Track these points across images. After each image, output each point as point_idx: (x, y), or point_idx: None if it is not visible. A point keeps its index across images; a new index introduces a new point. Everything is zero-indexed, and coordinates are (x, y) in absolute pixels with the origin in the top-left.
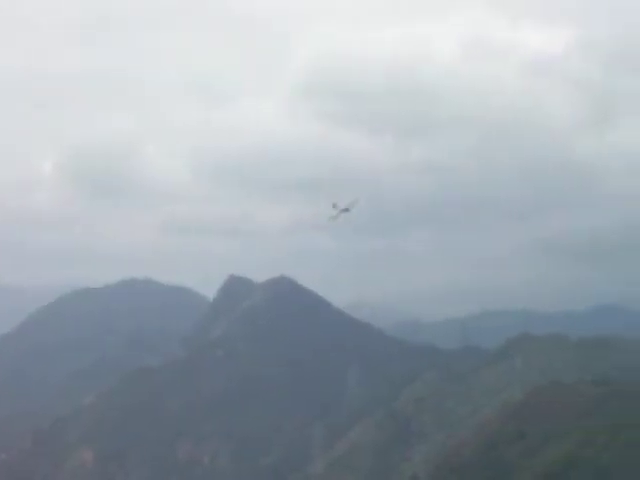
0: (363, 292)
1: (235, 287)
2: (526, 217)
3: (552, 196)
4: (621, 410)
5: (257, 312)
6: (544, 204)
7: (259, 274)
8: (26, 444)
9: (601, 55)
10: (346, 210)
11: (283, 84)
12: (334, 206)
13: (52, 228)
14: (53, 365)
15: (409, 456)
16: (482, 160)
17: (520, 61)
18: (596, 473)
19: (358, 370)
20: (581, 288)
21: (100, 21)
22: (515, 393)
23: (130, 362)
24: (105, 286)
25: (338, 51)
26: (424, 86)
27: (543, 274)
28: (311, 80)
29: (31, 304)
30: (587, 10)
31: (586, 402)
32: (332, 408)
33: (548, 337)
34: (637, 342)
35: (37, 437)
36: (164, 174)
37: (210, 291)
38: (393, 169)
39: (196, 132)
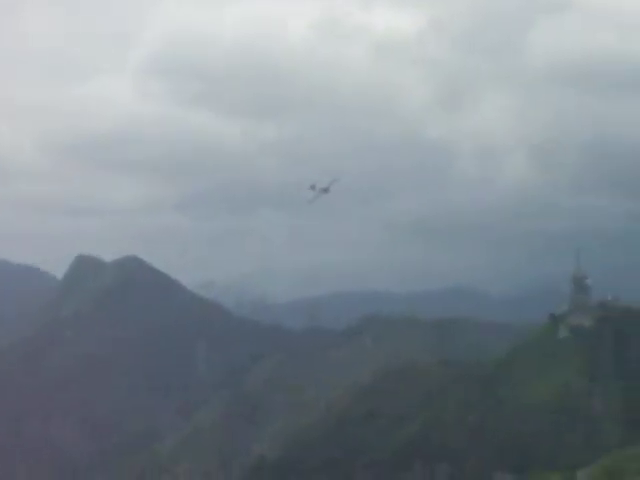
0: (213, 272)
1: (84, 267)
2: (378, 198)
3: (404, 177)
4: (470, 391)
5: (106, 292)
6: (396, 185)
7: (110, 254)
8: None
9: (452, 37)
10: (325, 191)
11: (134, 62)
12: (312, 187)
13: None
14: None
15: (258, 436)
16: (334, 142)
17: (372, 42)
18: (444, 453)
19: (207, 350)
20: (432, 269)
21: None
22: (365, 374)
23: None
24: None
25: (190, 30)
26: (276, 67)
27: (394, 255)
28: (163, 58)
29: None
30: None
31: (436, 383)
32: (181, 388)
33: (398, 318)
34: (487, 324)
35: None
36: (12, 152)
37: (60, 271)
38: (247, 150)
39: (45, 110)
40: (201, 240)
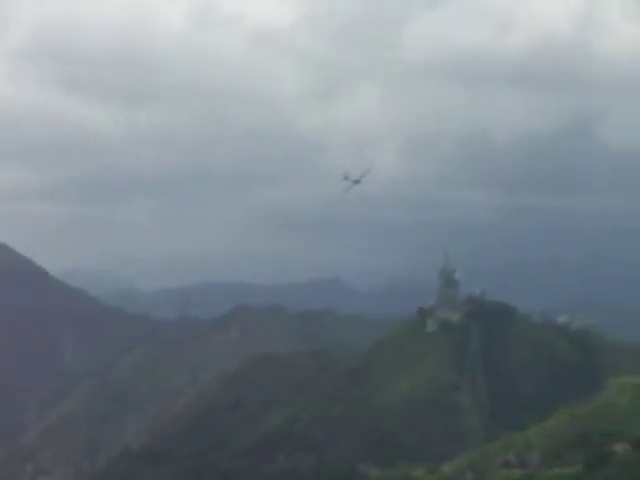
0: (81, 260)
1: None
2: (248, 188)
3: (275, 168)
4: (336, 383)
5: None
6: (267, 176)
7: None
8: None
9: (328, 29)
10: (358, 181)
11: (3, 46)
12: (345, 177)
13: None
14: None
15: (124, 425)
16: (206, 130)
17: (247, 32)
18: (310, 444)
19: (73, 339)
20: (301, 261)
21: None
22: (232, 364)
23: None
24: None
25: (63, 14)
26: (150, 54)
27: (263, 246)
28: (33, 43)
29: None
30: None
31: (302, 374)
32: (46, 377)
33: (266, 309)
34: (352, 316)
35: None
36: None
37: None
38: (117, 137)
39: None
40: (68, 227)
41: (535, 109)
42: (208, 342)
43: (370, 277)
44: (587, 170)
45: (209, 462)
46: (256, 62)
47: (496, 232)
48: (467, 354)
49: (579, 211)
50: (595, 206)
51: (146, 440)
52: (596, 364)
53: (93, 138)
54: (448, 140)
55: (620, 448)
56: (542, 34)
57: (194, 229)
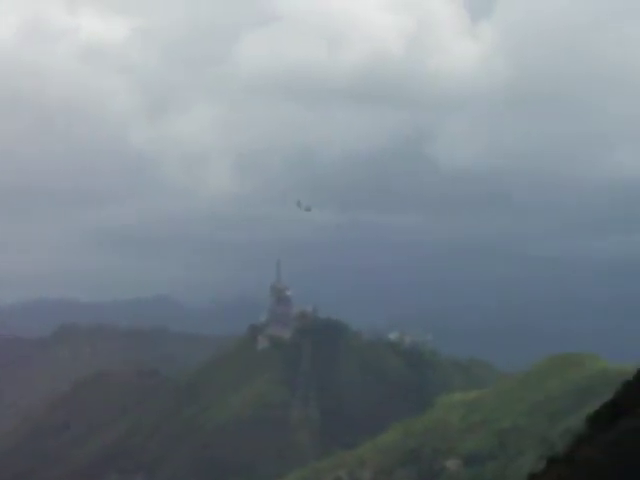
0: None
1: None
2: (79, 204)
3: (106, 183)
4: (167, 402)
5: None
6: (98, 191)
7: None
8: None
9: (159, 45)
10: (308, 209)
11: None
12: (298, 204)
13: None
14: None
15: None
16: (35, 146)
17: (79, 46)
18: (140, 464)
19: None
20: (130, 278)
21: None
22: (60, 384)
23: None
24: None
25: None
26: None
27: (92, 263)
28: None
29: None
30: (146, 1)
31: (132, 393)
32: None
33: (95, 327)
34: (183, 334)
35: None
36: None
37: None
38: None
39: None
40: None
41: (368, 127)
42: (35, 362)
43: (201, 295)
44: (417, 188)
45: None
46: (88, 76)
47: (329, 250)
48: (298, 371)
49: (410, 229)
50: (425, 224)
51: None
52: (427, 380)
53: None
54: (281, 157)
55: (452, 464)
56: (374, 52)
57: (21, 245)
